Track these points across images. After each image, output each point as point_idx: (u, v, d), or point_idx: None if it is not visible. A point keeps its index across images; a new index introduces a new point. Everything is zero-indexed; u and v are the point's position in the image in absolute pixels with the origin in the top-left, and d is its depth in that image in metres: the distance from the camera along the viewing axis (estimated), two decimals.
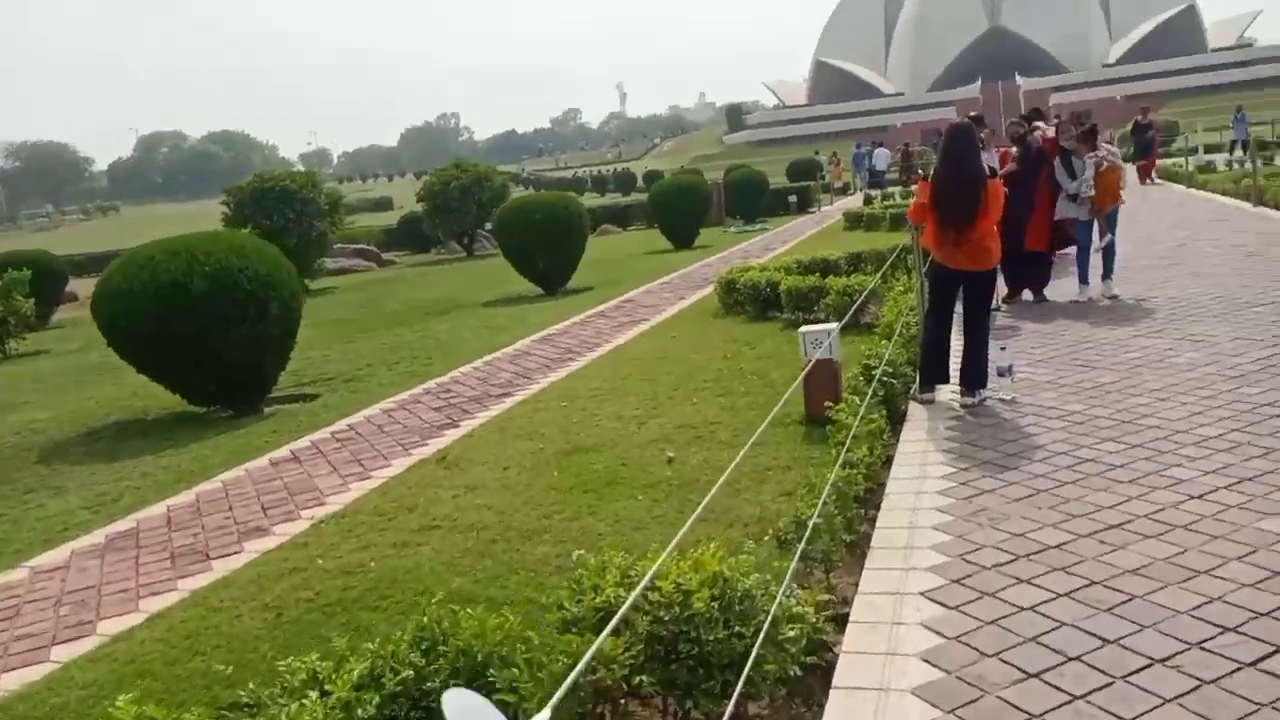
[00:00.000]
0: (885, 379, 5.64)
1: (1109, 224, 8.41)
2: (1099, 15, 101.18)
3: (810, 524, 3.41)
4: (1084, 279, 8.64)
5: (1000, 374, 5.70)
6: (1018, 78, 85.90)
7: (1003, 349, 5.86)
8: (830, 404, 5.04)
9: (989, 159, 8.50)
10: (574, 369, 8.30)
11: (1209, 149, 28.56)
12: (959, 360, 5.81)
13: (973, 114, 9.24)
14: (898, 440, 5.19)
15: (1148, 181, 21.26)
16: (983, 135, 9.07)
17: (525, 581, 3.87)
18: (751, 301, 9.89)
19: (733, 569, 2.88)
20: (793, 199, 27.84)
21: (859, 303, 7.53)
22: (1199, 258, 10.19)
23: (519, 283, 14.93)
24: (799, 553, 3.23)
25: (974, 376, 5.64)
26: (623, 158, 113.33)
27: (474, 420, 6.81)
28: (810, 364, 5.74)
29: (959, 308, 5.79)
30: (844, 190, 34.50)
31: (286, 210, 19.01)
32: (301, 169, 45.67)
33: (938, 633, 3.06)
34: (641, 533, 4.30)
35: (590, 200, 47.63)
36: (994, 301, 7.23)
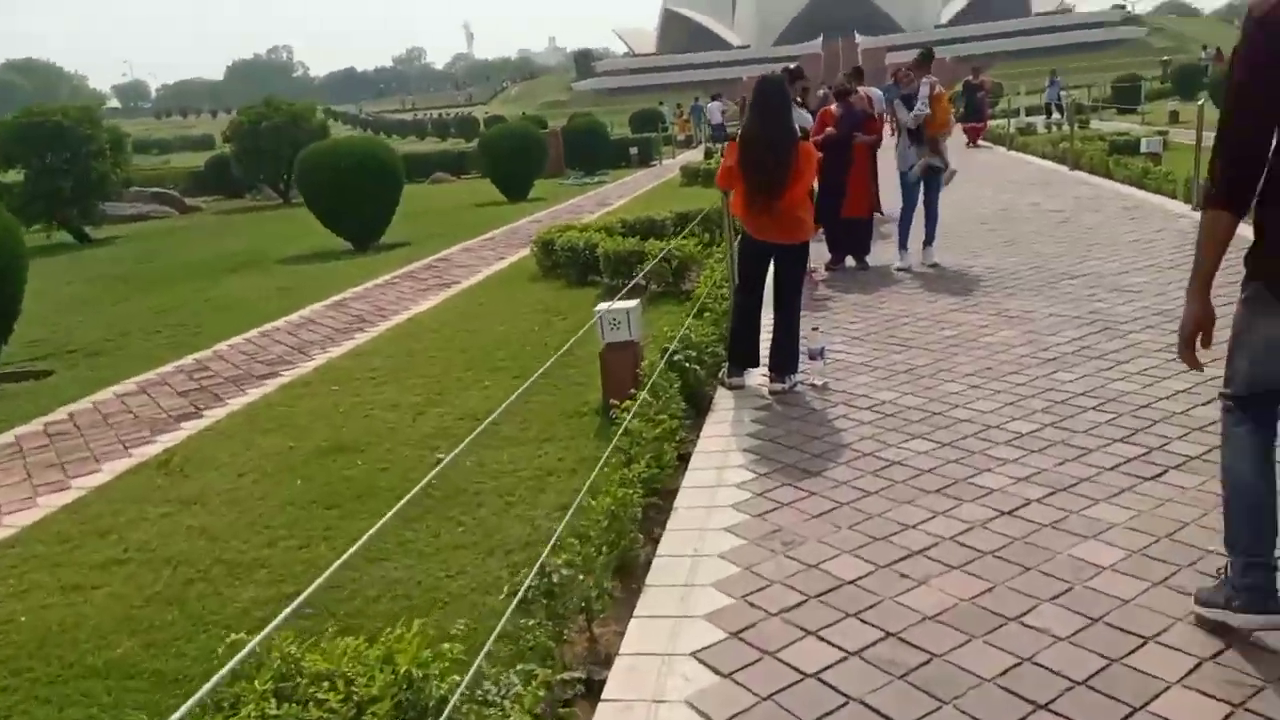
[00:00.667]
0: (690, 363, 5.05)
1: (936, 169, 8.09)
2: None
3: (560, 575, 2.74)
4: (904, 244, 8.37)
5: (812, 357, 5.21)
6: (857, 35, 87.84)
7: (815, 329, 5.37)
8: (617, 403, 4.40)
9: (801, 117, 8.03)
10: (360, 342, 7.35)
11: (1030, 111, 29.70)
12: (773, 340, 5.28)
13: (789, 66, 8.68)
14: (699, 435, 4.61)
15: (976, 144, 21.47)
16: (800, 90, 8.61)
17: (211, 645, 3.03)
18: (570, 265, 9.15)
19: (426, 664, 2.17)
20: (634, 151, 27.12)
21: (653, 270, 6.91)
22: (1018, 223, 10.17)
23: (328, 237, 13.62)
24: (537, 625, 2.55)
25: (784, 360, 5.12)
26: (473, 101, 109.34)
27: (222, 409, 5.80)
28: (609, 347, 5.09)
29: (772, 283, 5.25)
30: (687, 143, 34.09)
31: (61, 150, 16.77)
32: (115, 103, 41.08)
33: (704, 717, 2.46)
34: (378, 568, 3.53)
35: (428, 146, 45.46)
36: (814, 272, 6.76)
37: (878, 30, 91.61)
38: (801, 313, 5.26)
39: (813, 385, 5.17)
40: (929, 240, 8.24)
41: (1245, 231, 2.39)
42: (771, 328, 5.20)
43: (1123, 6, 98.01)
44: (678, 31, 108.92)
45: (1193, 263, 2.46)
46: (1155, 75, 40.31)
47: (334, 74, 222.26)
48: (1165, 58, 44.97)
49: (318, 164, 12.57)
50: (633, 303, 5.09)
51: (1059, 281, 7.15)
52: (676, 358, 5.02)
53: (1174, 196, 10.97)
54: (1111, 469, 3.76)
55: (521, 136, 18.81)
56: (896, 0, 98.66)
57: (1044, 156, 17.87)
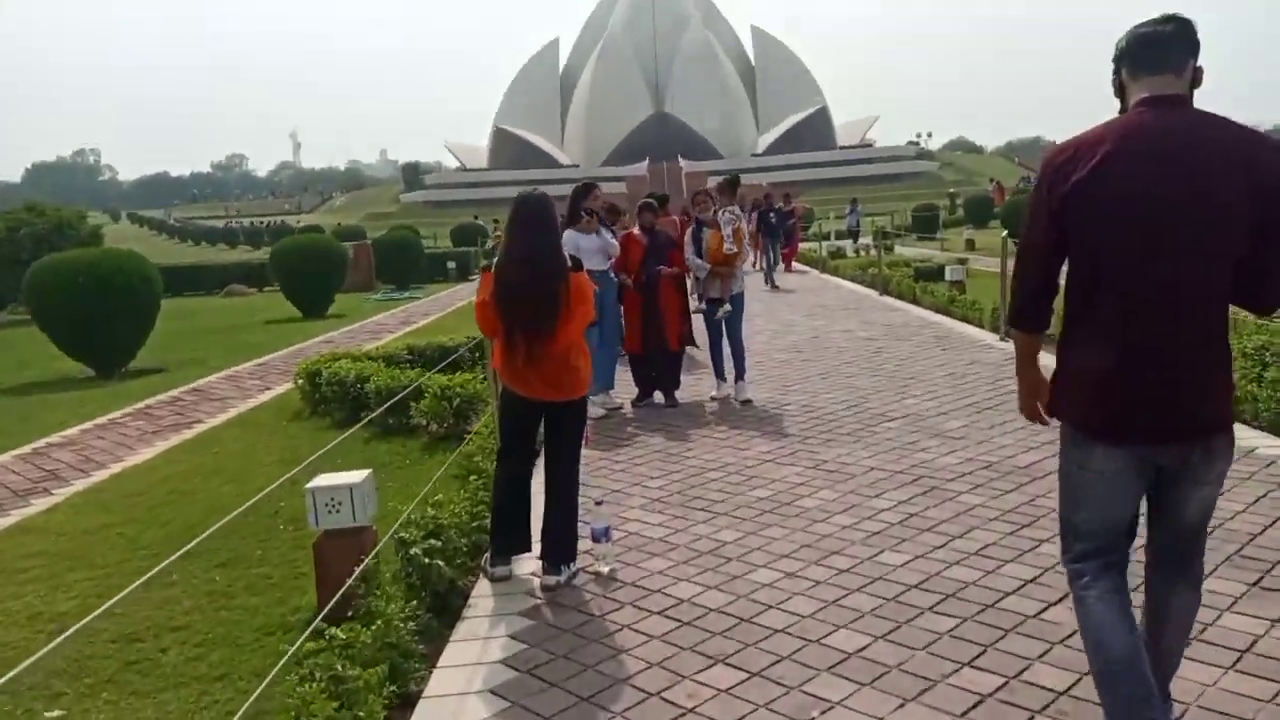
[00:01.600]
0: (434, 556, 3.87)
1: (715, 302, 7.51)
2: (748, 110, 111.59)
3: None
4: (719, 373, 7.67)
5: (596, 538, 4.15)
6: (681, 160, 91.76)
7: (599, 503, 4.32)
8: (326, 626, 3.19)
9: (607, 244, 7.26)
10: (36, 511, 5.72)
11: (840, 235, 30.97)
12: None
13: (587, 182, 7.86)
14: (434, 667, 3.40)
15: (790, 269, 21.61)
16: (606, 208, 7.88)
17: None
18: (339, 401, 7.83)
19: None
20: (452, 265, 26.10)
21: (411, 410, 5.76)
22: (832, 353, 9.71)
23: (72, 361, 11.64)
24: None
25: (558, 547, 4.04)
26: (301, 209, 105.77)
27: None
28: (326, 535, 3.86)
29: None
30: None
31: None
32: None
33: None
34: None
35: (227, 255, 42.72)
36: (588, 429, 5.84)
37: (700, 155, 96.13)
38: (583, 483, 4.22)
39: (598, 573, 4.11)
40: (739, 375, 7.53)
41: None
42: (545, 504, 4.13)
43: (916, 143, 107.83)
44: (508, 149, 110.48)
45: (1016, 361, 2.59)
46: (947, 205, 43.60)
47: (144, 178, 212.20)
48: (952, 190, 48.89)
49: (49, 279, 10.72)
50: (359, 475, 3.89)
51: (877, 424, 6.49)
52: (415, 551, 3.84)
53: (980, 325, 10.90)
54: (962, 716, 2.84)
55: (316, 247, 17.37)
56: (717, 129, 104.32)
57: (853, 280, 18.14)
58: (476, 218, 41.05)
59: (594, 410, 7.25)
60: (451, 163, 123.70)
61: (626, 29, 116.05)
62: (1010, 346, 9.44)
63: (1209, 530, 2.52)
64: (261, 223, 71.86)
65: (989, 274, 16.39)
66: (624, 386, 7.94)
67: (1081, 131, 2.35)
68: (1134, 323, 2.24)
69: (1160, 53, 2.27)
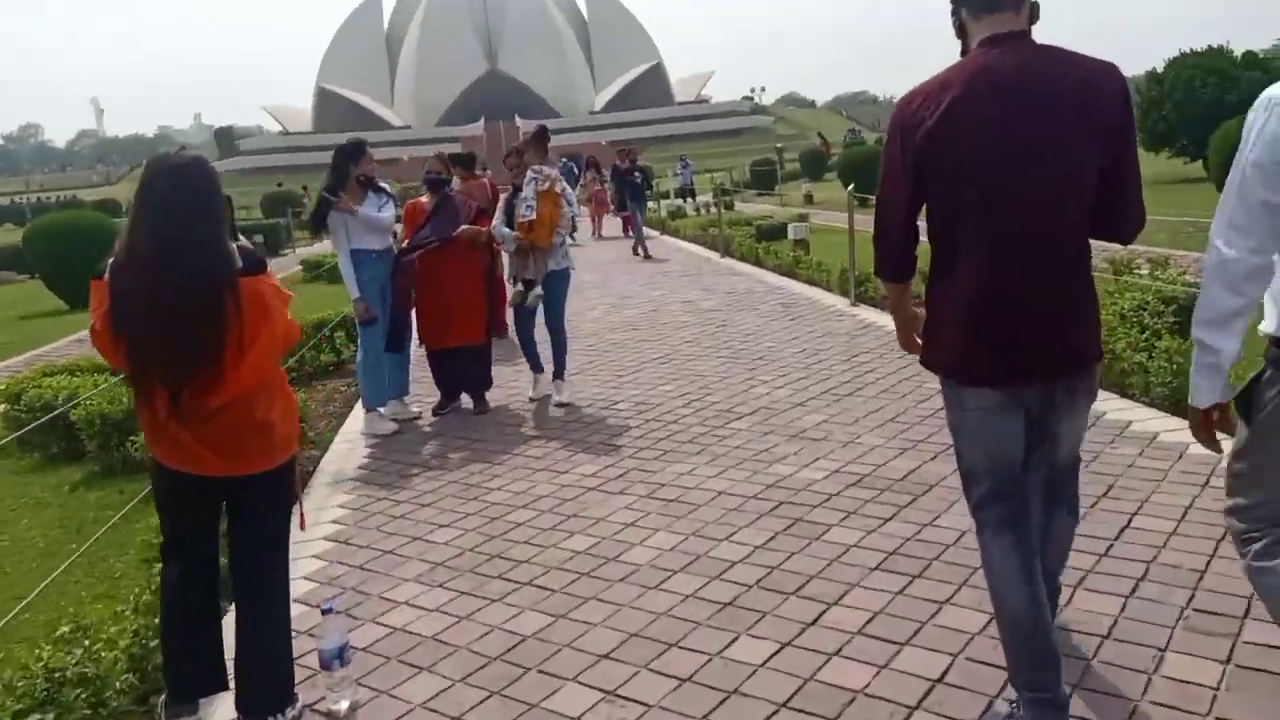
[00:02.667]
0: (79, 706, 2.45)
1: (555, 291, 6.19)
2: (584, 67, 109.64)
3: None
4: (536, 367, 6.40)
5: (325, 664, 2.81)
6: (517, 119, 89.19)
7: (329, 611, 2.95)
8: None
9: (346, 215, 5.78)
10: None
11: (679, 194, 30.10)
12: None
13: (356, 139, 6.26)
14: None
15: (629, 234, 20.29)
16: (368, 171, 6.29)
17: None
18: (48, 430, 6.06)
19: None
20: (259, 239, 23.49)
21: None
22: (671, 330, 8.59)
23: None
24: None
25: (261, 690, 2.68)
26: (111, 180, 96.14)
27: None
28: None
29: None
30: None
31: None
32: None
33: None
34: None
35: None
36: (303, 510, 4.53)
37: (537, 115, 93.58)
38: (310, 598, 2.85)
39: (329, 716, 2.78)
40: (558, 372, 6.28)
41: None
42: (237, 629, 2.74)
43: (751, 98, 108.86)
44: (334, 111, 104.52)
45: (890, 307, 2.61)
46: (790, 159, 43.59)
47: None
48: (779, 145, 48.67)
49: None
50: None
51: (724, 425, 5.39)
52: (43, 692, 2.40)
53: (828, 289, 10.05)
54: None
55: (82, 226, 14.83)
56: (554, 87, 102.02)
57: (695, 241, 17.19)
58: (281, 184, 37.50)
59: (383, 425, 5.84)
60: (273, 127, 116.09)
61: None
62: (862, 313, 8.61)
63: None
64: (50, 198, 64.62)
65: (832, 230, 15.75)
66: (429, 389, 6.55)
67: (927, 79, 2.29)
68: (995, 267, 2.23)
69: None
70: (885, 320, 7.85)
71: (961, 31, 2.34)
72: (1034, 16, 2.27)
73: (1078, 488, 2.56)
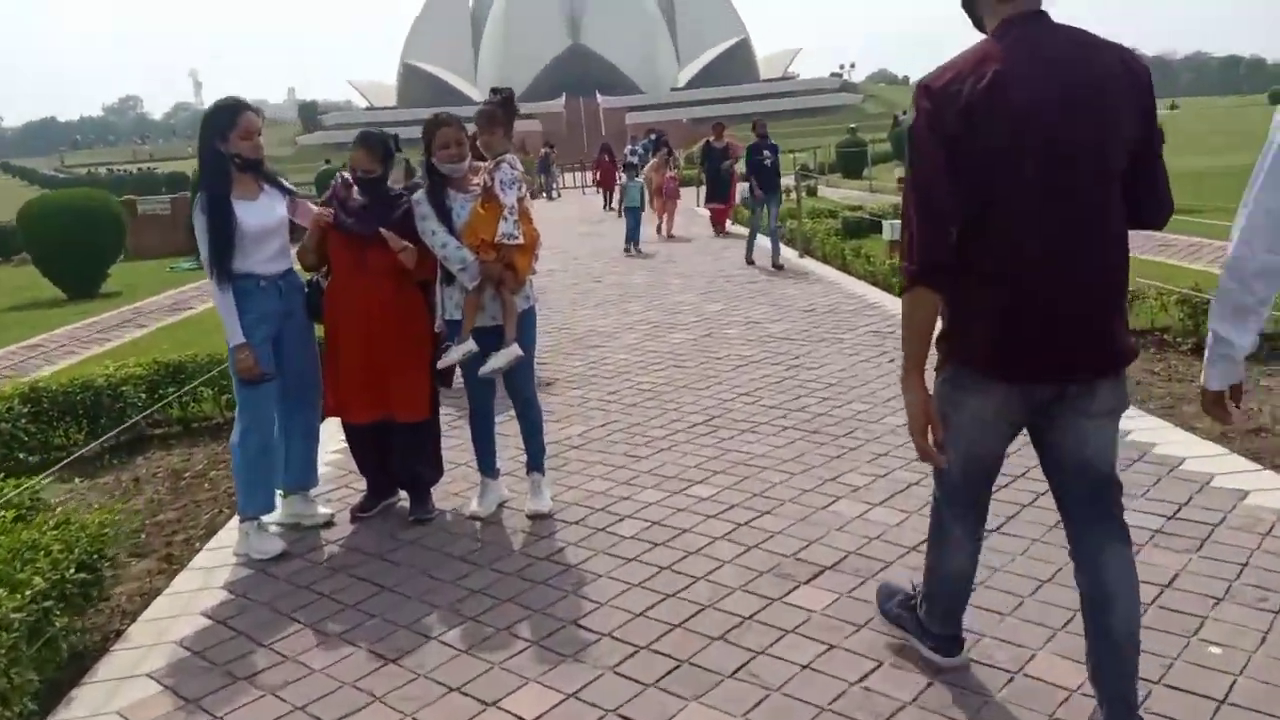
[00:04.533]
0: None
1: (523, 337, 4.04)
2: (668, 42, 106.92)
3: None
4: (488, 468, 4.24)
5: None
6: (598, 96, 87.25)
7: None
8: None
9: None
10: None
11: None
12: None
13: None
14: None
15: (725, 231, 15.14)
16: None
17: None
18: None
19: None
20: None
21: None
22: (726, 371, 6.48)
23: None
24: None
25: None
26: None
27: None
28: None
29: None
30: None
31: None
32: None
33: None
34: None
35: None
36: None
37: (619, 91, 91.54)
38: None
39: None
40: (533, 463, 4.19)
41: None
42: None
43: (840, 75, 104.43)
44: (418, 86, 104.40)
45: (903, 353, 2.25)
46: (879, 139, 40.32)
47: (31, 124, 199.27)
48: (852, 125, 42.87)
49: None
50: None
51: (812, 579, 3.24)
52: None
53: None
54: None
55: (81, 208, 13.33)
56: (636, 64, 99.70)
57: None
58: (328, 161, 35.95)
59: (265, 544, 3.87)
60: (360, 102, 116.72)
61: None
62: None
63: None
64: (152, 169, 65.24)
65: None
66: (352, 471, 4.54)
67: (956, 56, 2.17)
68: (1046, 255, 2.11)
69: None
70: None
71: (972, 11, 2.28)
72: None
73: (1123, 513, 2.29)
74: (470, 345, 3.88)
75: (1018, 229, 2.11)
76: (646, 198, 14.91)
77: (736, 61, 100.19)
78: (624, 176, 15.21)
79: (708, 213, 15.83)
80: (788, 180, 13.34)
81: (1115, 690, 2.21)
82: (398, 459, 4.13)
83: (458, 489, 4.42)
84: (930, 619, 2.63)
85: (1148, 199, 2.19)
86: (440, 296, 4.01)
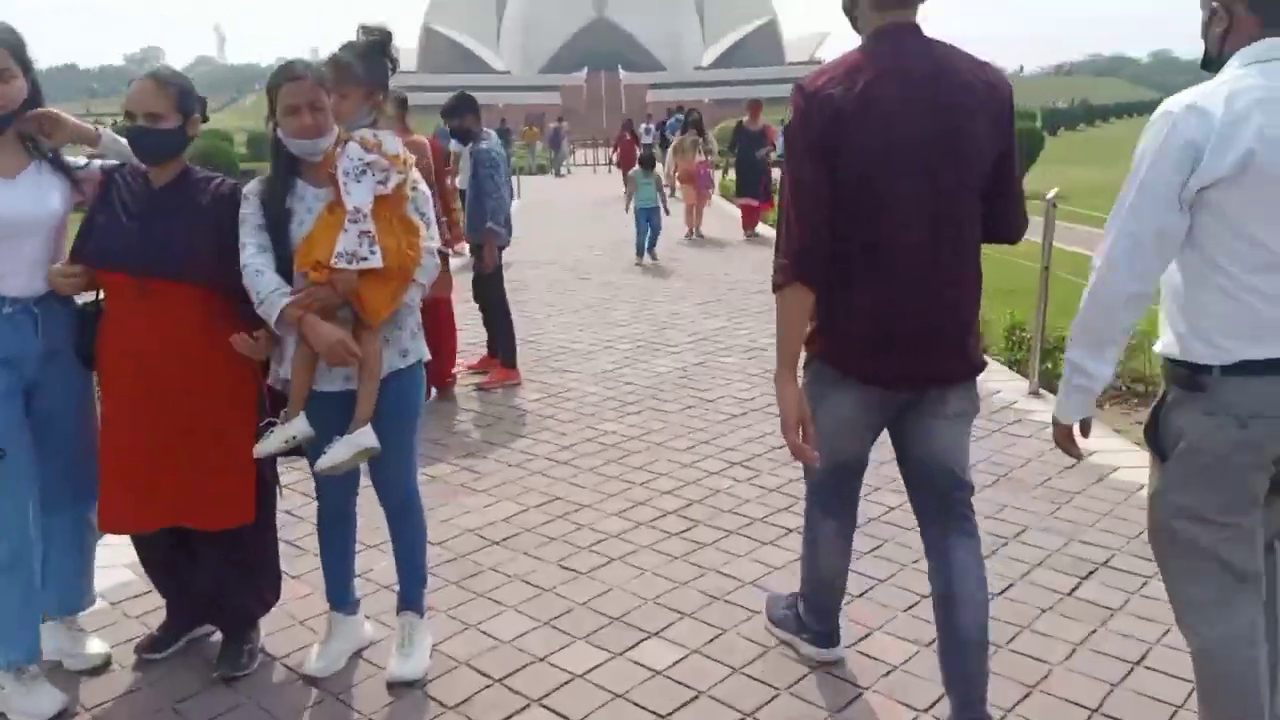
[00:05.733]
0: None
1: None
2: (694, 20, 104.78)
3: None
4: (340, 599, 2.84)
5: None
6: (621, 71, 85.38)
7: None
8: None
9: None
10: None
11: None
12: None
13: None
14: None
15: (754, 233, 12.68)
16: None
17: None
18: None
19: None
20: None
21: None
22: (715, 424, 5.07)
23: None
24: None
25: None
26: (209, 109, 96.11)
27: None
28: None
29: None
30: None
31: None
32: None
33: None
34: None
35: None
36: None
37: (641, 68, 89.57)
38: None
39: None
40: (407, 600, 2.81)
41: None
42: None
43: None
44: (439, 51, 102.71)
45: (777, 349, 2.27)
46: None
47: (51, 70, 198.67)
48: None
49: None
50: None
51: None
52: None
53: (1007, 363, 6.33)
54: None
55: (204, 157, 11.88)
56: (661, 41, 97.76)
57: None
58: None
59: (29, 703, 2.51)
60: None
61: None
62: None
63: None
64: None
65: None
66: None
67: (829, 62, 2.26)
68: (910, 261, 2.17)
69: None
70: (1104, 441, 4.22)
71: (851, 14, 2.27)
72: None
73: (972, 513, 2.39)
74: (298, 427, 2.49)
75: (881, 237, 2.17)
76: (665, 198, 11.36)
77: (763, 43, 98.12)
78: (635, 169, 11.55)
79: (739, 211, 13.04)
80: None
81: (963, 687, 2.27)
82: (201, 580, 2.75)
83: (314, 614, 3.04)
84: (809, 615, 2.71)
85: (1004, 215, 2.27)
86: (280, 352, 2.63)
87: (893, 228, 2.14)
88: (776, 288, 2.21)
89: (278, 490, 2.81)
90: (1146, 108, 76.81)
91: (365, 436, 2.48)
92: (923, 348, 2.20)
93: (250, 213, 2.51)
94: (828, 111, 2.11)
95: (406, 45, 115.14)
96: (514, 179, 21.50)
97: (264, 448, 2.50)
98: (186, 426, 2.56)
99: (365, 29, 2.51)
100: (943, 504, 2.35)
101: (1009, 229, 2.29)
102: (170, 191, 2.59)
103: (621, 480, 4.17)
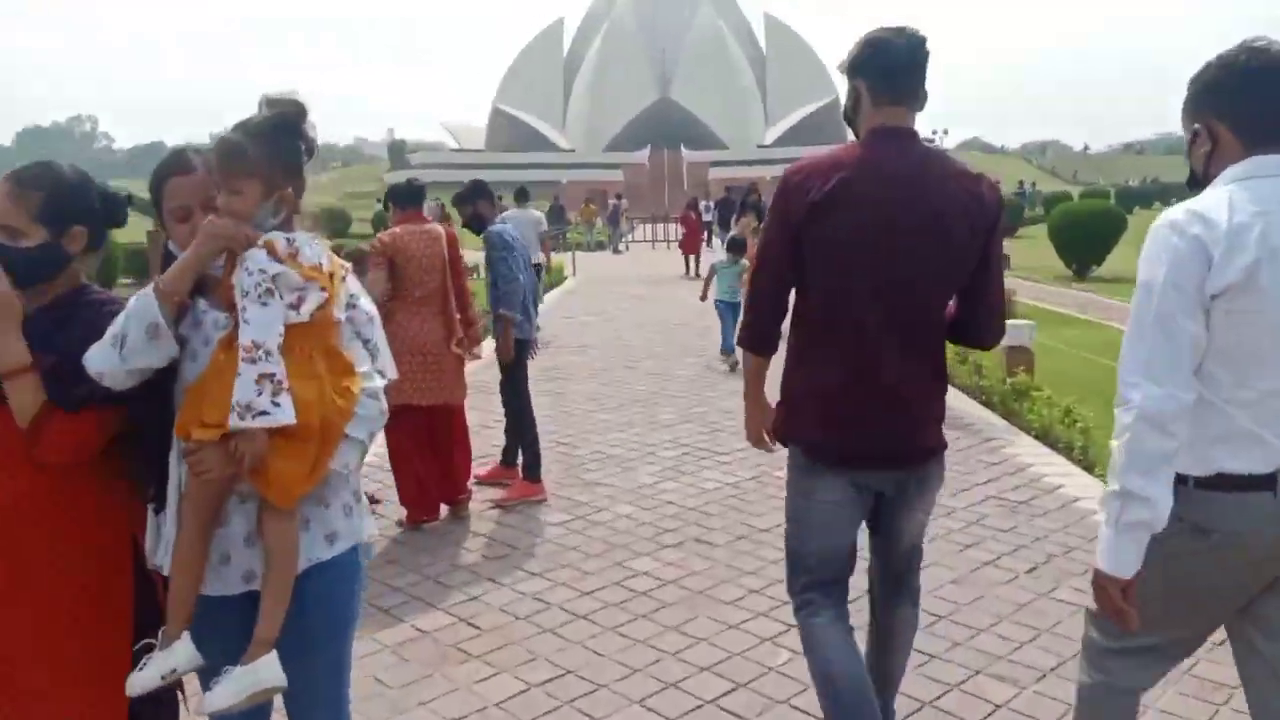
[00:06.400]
0: None
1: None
2: (757, 99, 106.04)
3: None
4: None
5: None
6: (683, 149, 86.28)
7: None
8: None
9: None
10: None
11: None
12: None
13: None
14: None
15: None
16: None
17: None
18: None
19: None
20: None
21: None
22: (766, 567, 4.22)
23: None
24: None
25: None
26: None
27: None
28: None
29: None
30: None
31: None
32: None
33: None
34: None
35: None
36: None
37: (704, 145, 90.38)
38: None
39: None
40: None
41: None
42: None
43: (932, 140, 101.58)
44: (506, 130, 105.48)
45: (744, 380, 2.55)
46: None
47: (139, 147, 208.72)
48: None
49: None
50: None
51: None
52: None
53: (1075, 457, 5.41)
54: None
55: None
56: (724, 118, 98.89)
57: None
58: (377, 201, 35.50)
59: None
60: (452, 144, 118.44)
61: (634, 10, 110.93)
62: None
63: None
64: None
65: (1058, 316, 10.78)
66: None
67: (821, 153, 2.35)
68: (864, 350, 2.27)
69: (908, 83, 2.28)
70: None
71: (854, 111, 2.36)
72: (921, 105, 2.33)
73: (918, 579, 2.57)
74: (181, 655, 1.77)
75: (842, 327, 2.27)
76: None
77: (825, 121, 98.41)
78: (721, 256, 9.98)
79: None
80: None
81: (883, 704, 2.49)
82: None
83: None
84: None
85: (975, 320, 2.37)
86: (150, 522, 1.92)
87: (854, 319, 2.25)
88: (740, 343, 2.49)
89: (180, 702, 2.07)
90: None
91: (265, 669, 1.73)
92: (886, 433, 2.30)
93: (114, 334, 1.82)
94: (804, 200, 2.22)
95: (476, 124, 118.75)
96: (571, 255, 21.42)
97: (136, 684, 1.76)
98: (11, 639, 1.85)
99: (269, 100, 1.84)
100: (901, 575, 2.53)
101: (979, 333, 2.41)
102: (44, 316, 1.93)
103: (650, 647, 3.36)
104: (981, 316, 2.35)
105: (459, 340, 4.66)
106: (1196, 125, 1.90)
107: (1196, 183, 1.93)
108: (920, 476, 2.36)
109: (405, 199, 4.75)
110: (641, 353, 9.82)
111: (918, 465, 2.35)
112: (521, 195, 12.17)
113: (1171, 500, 1.77)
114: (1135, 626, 1.83)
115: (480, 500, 5.01)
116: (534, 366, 8.85)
